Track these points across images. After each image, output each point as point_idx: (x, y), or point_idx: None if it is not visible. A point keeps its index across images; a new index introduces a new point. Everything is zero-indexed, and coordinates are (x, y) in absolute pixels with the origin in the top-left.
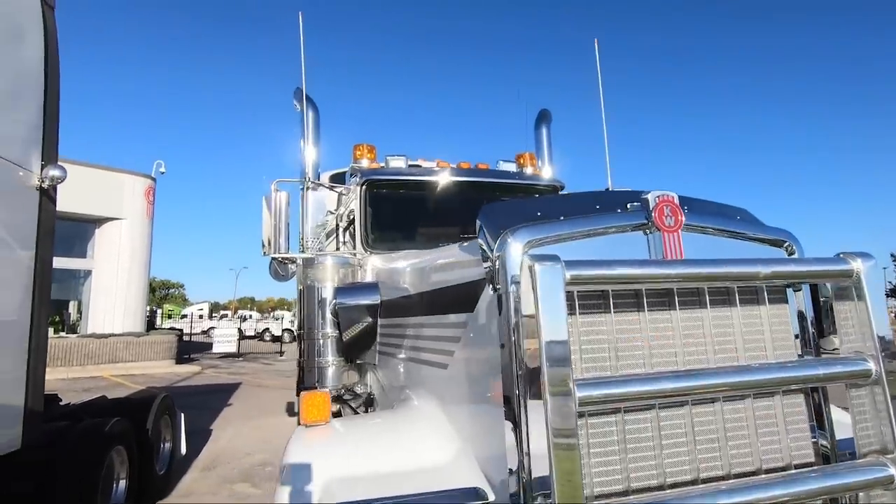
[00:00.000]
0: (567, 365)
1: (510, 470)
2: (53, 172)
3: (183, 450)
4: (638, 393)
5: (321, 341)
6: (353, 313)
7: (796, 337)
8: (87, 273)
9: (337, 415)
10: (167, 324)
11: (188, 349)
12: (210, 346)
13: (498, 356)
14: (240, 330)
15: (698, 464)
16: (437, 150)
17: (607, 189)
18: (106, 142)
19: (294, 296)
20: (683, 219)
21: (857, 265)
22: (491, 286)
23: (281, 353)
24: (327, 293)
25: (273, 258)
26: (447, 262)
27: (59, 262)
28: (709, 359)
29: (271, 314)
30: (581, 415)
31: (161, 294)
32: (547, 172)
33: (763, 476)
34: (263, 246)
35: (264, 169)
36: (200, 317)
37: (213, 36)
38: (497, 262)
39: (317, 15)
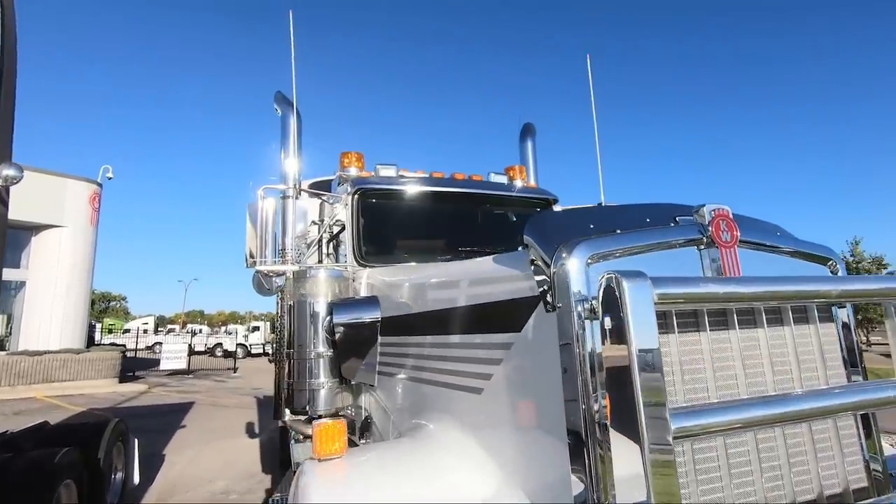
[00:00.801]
0: (662, 390)
1: (577, 487)
2: (8, 172)
3: (136, 479)
4: (734, 421)
5: (313, 360)
6: (351, 331)
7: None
8: (21, 284)
9: None
10: (108, 339)
11: (132, 366)
12: (157, 362)
13: (556, 380)
14: (189, 345)
15: (765, 493)
16: (417, 162)
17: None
18: (48, 144)
19: (273, 310)
20: (739, 234)
21: None
22: (545, 304)
23: (235, 369)
24: (320, 308)
25: (258, 270)
26: (480, 277)
27: None
28: (766, 381)
29: (223, 328)
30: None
31: (101, 307)
32: (535, 185)
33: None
34: (248, 258)
35: (225, 174)
36: (145, 331)
37: (169, 30)
38: (555, 278)
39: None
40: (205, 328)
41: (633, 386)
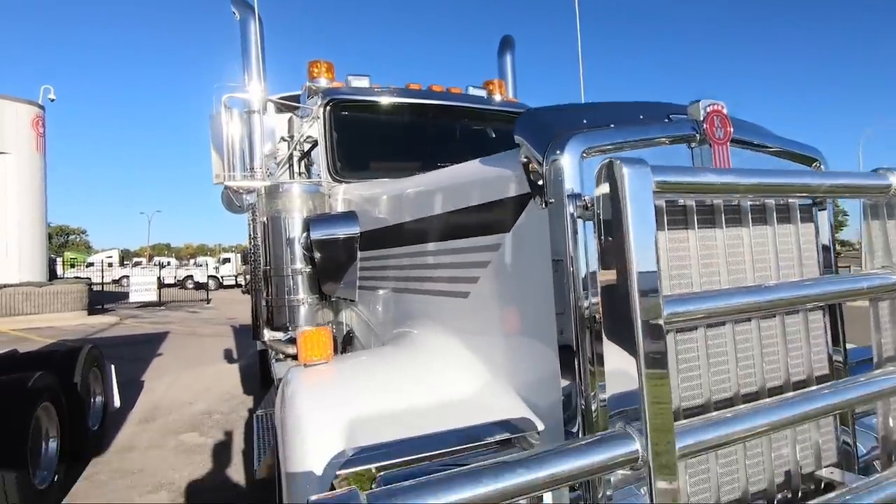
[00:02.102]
0: (657, 280)
1: (565, 396)
2: None
3: (116, 402)
4: (718, 309)
5: (291, 278)
6: (329, 247)
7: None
8: None
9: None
10: (70, 273)
11: (100, 299)
12: (125, 295)
13: (546, 278)
14: (158, 278)
15: (738, 380)
16: (390, 78)
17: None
18: None
19: (244, 242)
20: (732, 130)
21: (894, 180)
22: (541, 200)
23: (208, 300)
24: (295, 224)
25: (227, 186)
26: (466, 180)
27: None
28: (747, 278)
29: (192, 261)
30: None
31: (59, 241)
32: (516, 100)
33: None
34: (214, 174)
35: (184, 92)
36: (110, 265)
37: None
38: (548, 173)
39: None
40: (173, 261)
41: (629, 273)
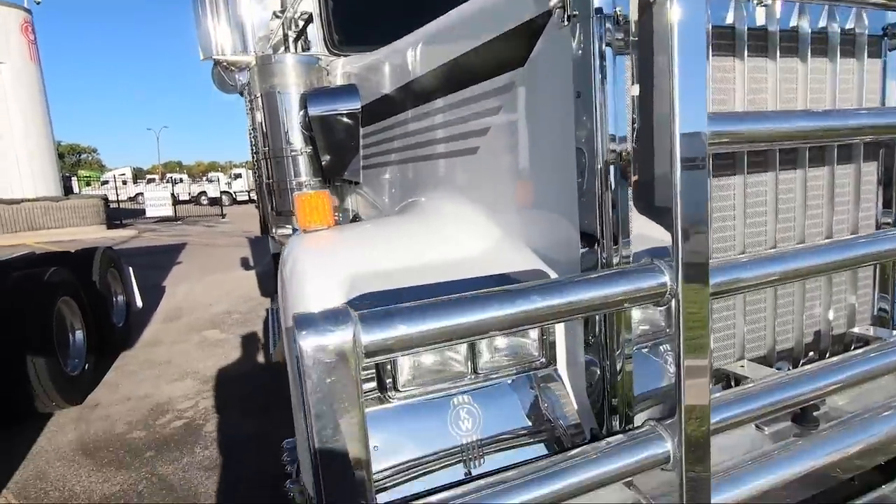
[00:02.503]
0: (706, 94)
1: (585, 250)
2: None
3: (139, 303)
4: (763, 131)
5: (290, 159)
6: (330, 124)
7: None
8: None
9: None
10: (87, 191)
11: (118, 215)
12: (142, 211)
13: (567, 115)
14: (173, 194)
15: (776, 235)
16: None
17: None
18: None
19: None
20: None
21: None
22: (561, 15)
23: (223, 215)
24: (293, 101)
25: (216, 62)
26: (471, 16)
27: None
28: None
29: (204, 178)
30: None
31: (72, 160)
32: None
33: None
34: (201, 49)
35: None
36: (124, 182)
37: None
38: None
39: None
40: (185, 178)
41: (672, 103)
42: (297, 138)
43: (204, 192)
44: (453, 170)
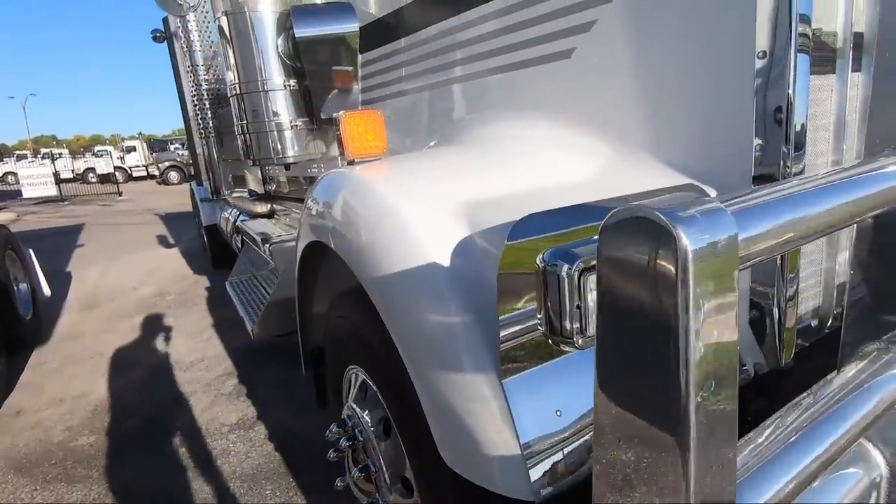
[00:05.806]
0: None
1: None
2: None
3: (46, 291)
4: None
5: (269, 95)
6: (319, 49)
7: None
8: None
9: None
10: None
11: None
12: (16, 193)
13: None
14: (54, 172)
15: None
16: None
17: None
18: None
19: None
20: None
21: None
22: None
23: (119, 193)
24: (267, 23)
25: None
26: None
27: None
28: None
29: (88, 154)
30: None
31: None
32: None
33: None
34: None
35: None
36: None
37: None
38: None
39: None
40: (65, 153)
41: None
42: (274, 70)
43: (91, 169)
44: (526, 84)
